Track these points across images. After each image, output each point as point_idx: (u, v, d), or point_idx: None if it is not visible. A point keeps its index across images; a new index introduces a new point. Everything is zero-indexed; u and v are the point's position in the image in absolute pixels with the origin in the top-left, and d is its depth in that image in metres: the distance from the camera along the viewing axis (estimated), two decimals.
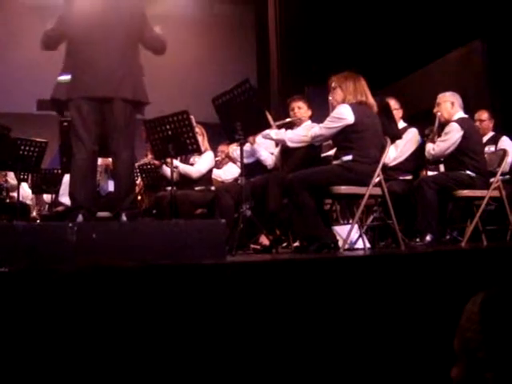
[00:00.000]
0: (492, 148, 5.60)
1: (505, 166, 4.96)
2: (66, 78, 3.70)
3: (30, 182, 6.43)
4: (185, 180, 5.59)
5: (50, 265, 2.65)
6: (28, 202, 6.69)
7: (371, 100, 4.19)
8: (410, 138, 5.25)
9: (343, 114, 4.04)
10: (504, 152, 5.02)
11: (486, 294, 1.10)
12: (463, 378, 1.05)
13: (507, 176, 5.33)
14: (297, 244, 4.79)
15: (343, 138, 4.10)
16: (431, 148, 4.86)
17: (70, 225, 2.88)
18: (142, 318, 0.73)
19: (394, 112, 5.06)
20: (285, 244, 5.14)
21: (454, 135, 4.73)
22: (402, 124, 5.38)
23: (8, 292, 2.39)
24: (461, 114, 4.91)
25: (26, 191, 6.50)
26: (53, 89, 3.81)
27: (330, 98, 4.27)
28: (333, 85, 4.23)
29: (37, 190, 6.64)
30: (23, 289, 2.41)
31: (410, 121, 5.63)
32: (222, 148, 6.39)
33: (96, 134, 3.80)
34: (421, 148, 5.24)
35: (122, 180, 3.92)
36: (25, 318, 2.23)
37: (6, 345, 2.22)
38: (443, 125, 4.91)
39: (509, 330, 1.01)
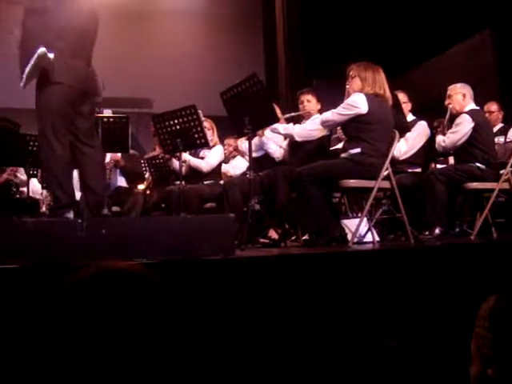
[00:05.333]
0: (501, 139, 5.58)
1: None
2: (51, 55, 3.61)
3: (39, 177, 6.45)
4: (194, 174, 5.60)
5: (60, 261, 2.68)
6: (38, 197, 6.72)
7: (388, 93, 4.17)
8: (420, 132, 5.22)
9: (357, 103, 4.02)
10: None
11: (496, 299, 1.10)
12: (479, 378, 1.06)
13: None
14: (305, 237, 4.79)
15: (354, 127, 4.08)
16: (441, 140, 4.83)
17: (80, 221, 2.90)
18: (152, 315, 0.74)
19: (403, 105, 5.04)
20: (293, 237, 5.14)
21: (465, 127, 4.71)
22: (410, 117, 5.35)
23: (18, 288, 2.41)
24: (472, 106, 4.88)
25: (35, 186, 6.53)
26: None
27: (348, 86, 4.24)
28: (351, 73, 4.20)
29: (46, 186, 6.65)
30: (33, 284, 2.43)
31: (419, 113, 5.60)
32: (228, 141, 6.39)
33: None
34: (430, 141, 5.22)
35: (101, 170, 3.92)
36: (35, 314, 2.25)
37: (17, 340, 2.24)
38: (454, 116, 4.89)
39: None
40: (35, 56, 3.53)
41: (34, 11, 3.63)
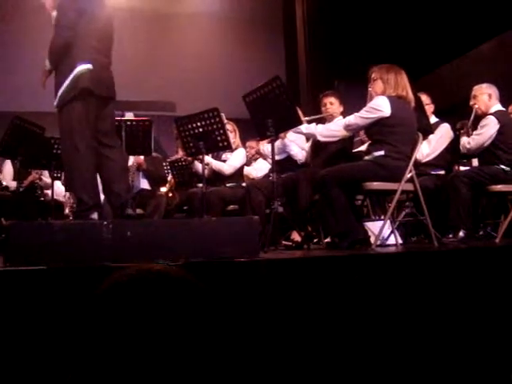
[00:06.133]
0: None
1: None
2: (88, 66, 3.67)
3: (63, 179, 6.51)
4: (216, 176, 5.62)
5: (86, 262, 2.71)
6: (61, 199, 6.78)
7: (411, 95, 4.14)
8: (443, 134, 5.19)
9: (380, 106, 4.01)
10: None
11: None
12: None
13: None
14: (328, 240, 4.78)
15: (377, 130, 4.06)
16: (466, 142, 4.79)
17: (105, 223, 2.92)
18: (179, 317, 0.75)
19: (426, 107, 5.01)
20: (316, 240, 5.13)
21: (490, 129, 4.67)
22: (433, 119, 5.32)
23: (46, 289, 2.44)
24: (498, 107, 4.83)
25: (59, 189, 6.59)
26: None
27: (370, 88, 4.23)
28: (373, 76, 4.18)
29: (68, 188, 6.71)
30: (60, 286, 2.46)
31: (442, 114, 5.57)
32: (250, 144, 6.41)
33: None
34: (453, 143, 5.18)
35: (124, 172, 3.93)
36: (61, 314, 2.27)
37: (43, 339, 2.27)
38: (479, 117, 4.84)
39: None
40: (73, 75, 3.60)
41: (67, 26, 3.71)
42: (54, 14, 3.81)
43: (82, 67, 3.62)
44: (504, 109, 4.92)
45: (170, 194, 6.43)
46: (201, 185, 5.27)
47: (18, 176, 5.67)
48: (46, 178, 6.35)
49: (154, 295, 0.73)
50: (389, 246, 4.45)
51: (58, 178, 6.33)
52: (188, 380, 0.71)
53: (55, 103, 3.69)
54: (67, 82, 3.61)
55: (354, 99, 4.87)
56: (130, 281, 0.74)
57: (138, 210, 5.44)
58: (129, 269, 0.77)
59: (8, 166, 6.20)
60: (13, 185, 5.87)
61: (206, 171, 5.09)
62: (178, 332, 0.72)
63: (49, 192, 6.26)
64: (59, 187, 6.55)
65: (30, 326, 2.31)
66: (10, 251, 2.80)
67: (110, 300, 0.73)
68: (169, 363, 0.70)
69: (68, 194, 6.87)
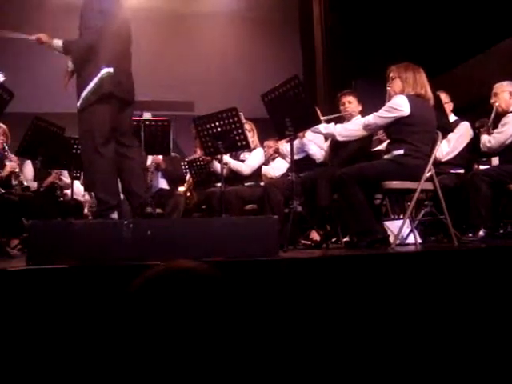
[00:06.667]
0: None
1: None
2: (110, 70, 3.71)
3: (82, 179, 6.56)
4: (235, 176, 5.63)
5: (107, 261, 2.73)
6: (80, 199, 6.84)
7: (430, 93, 4.12)
8: (463, 133, 5.15)
9: (399, 105, 3.99)
10: None
11: None
12: None
13: None
14: (346, 239, 4.77)
15: (396, 129, 4.04)
16: (487, 140, 4.76)
17: (126, 222, 2.94)
18: (206, 313, 0.75)
19: (445, 105, 4.98)
20: (334, 239, 5.12)
21: (511, 127, 4.63)
22: (452, 117, 5.29)
23: (67, 288, 2.46)
24: None
25: (78, 189, 6.65)
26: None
27: (388, 87, 4.21)
28: (391, 75, 4.17)
29: (88, 188, 6.76)
30: (82, 285, 2.48)
31: (461, 112, 5.53)
32: (268, 143, 6.41)
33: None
34: (473, 141, 5.14)
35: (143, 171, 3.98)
36: (84, 313, 2.29)
37: (65, 338, 2.29)
38: (499, 115, 4.80)
39: None
40: (97, 78, 3.64)
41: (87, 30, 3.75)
42: (55, 42, 3.88)
43: (106, 71, 3.66)
44: None
45: (188, 194, 6.46)
46: (219, 184, 5.29)
47: (38, 176, 5.72)
48: (66, 178, 6.40)
49: (183, 292, 0.73)
50: (408, 245, 4.43)
51: (78, 178, 6.38)
52: (213, 373, 0.71)
53: (78, 104, 3.73)
54: (92, 84, 3.65)
55: (372, 98, 4.85)
56: (159, 278, 0.74)
57: (157, 210, 5.47)
58: (158, 266, 0.78)
59: (29, 166, 6.26)
60: (33, 185, 5.93)
61: (225, 171, 5.10)
62: (205, 327, 0.72)
63: (68, 192, 6.32)
64: (78, 187, 6.61)
65: (52, 324, 2.33)
66: (32, 250, 2.83)
67: (142, 297, 0.74)
68: (197, 357, 0.71)
69: (86, 193, 6.94)
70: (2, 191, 5.03)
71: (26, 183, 5.76)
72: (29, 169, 6.27)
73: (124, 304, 0.75)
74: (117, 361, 0.73)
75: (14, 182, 5.67)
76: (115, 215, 3.72)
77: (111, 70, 3.68)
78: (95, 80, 3.64)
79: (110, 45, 3.73)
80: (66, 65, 3.90)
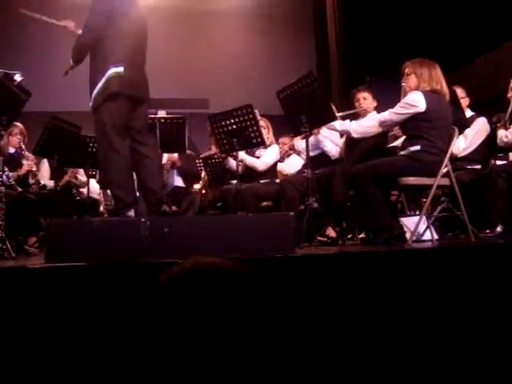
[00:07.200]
0: None
1: None
2: (119, 69, 3.73)
3: (97, 178, 6.60)
4: (250, 173, 5.63)
5: (125, 259, 2.75)
6: (96, 197, 6.88)
7: (445, 89, 4.09)
8: (479, 128, 5.12)
9: (415, 101, 3.97)
10: None
11: None
12: None
13: None
14: (362, 236, 4.76)
15: (412, 125, 4.02)
16: (504, 135, 4.72)
17: (143, 220, 2.96)
18: (235, 308, 0.76)
19: (461, 101, 4.94)
20: (350, 236, 5.12)
21: None
22: (469, 113, 5.25)
23: (86, 285, 2.48)
24: None
25: (93, 187, 6.69)
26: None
27: (403, 83, 4.19)
28: (406, 71, 4.15)
29: (104, 186, 6.80)
30: (100, 282, 2.50)
31: (478, 107, 5.49)
32: (282, 140, 6.40)
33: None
34: (489, 136, 5.11)
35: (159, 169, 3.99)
36: (103, 310, 2.31)
37: (84, 335, 2.31)
38: None
39: None
40: (105, 78, 3.66)
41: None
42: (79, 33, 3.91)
43: (114, 70, 3.68)
44: None
45: (204, 191, 6.48)
46: (234, 181, 5.30)
47: (55, 175, 5.76)
48: (82, 176, 6.44)
49: (211, 287, 0.74)
50: (425, 241, 4.41)
51: (93, 177, 6.42)
52: (243, 368, 0.72)
53: (90, 104, 3.77)
54: (100, 85, 3.69)
55: (386, 95, 4.83)
56: (187, 274, 0.75)
57: (173, 208, 5.49)
58: (185, 262, 0.79)
59: (45, 165, 6.31)
60: (50, 183, 5.97)
61: (240, 168, 5.11)
62: (235, 322, 0.73)
63: (84, 190, 6.36)
64: (93, 185, 6.65)
65: (71, 321, 2.36)
66: (51, 248, 2.86)
67: (170, 293, 0.75)
68: (227, 353, 0.71)
69: (102, 192, 6.99)
70: (20, 190, 5.07)
71: (42, 182, 5.81)
72: (45, 167, 6.32)
73: (152, 300, 0.76)
74: (142, 356, 0.74)
75: (32, 181, 5.72)
76: (132, 213, 3.74)
77: (120, 69, 3.70)
78: (103, 80, 3.69)
79: (120, 44, 3.75)
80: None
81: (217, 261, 0.80)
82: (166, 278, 0.76)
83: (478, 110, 5.39)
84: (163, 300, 0.74)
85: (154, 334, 0.72)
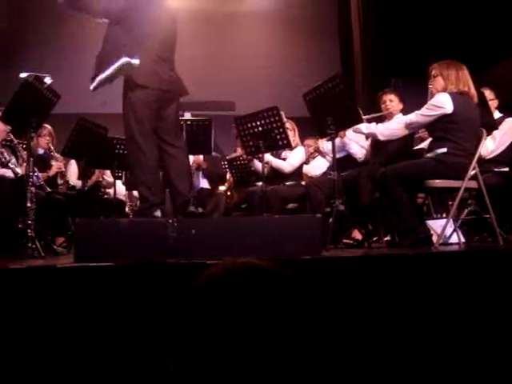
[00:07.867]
0: None
1: None
2: (132, 61, 3.69)
3: (123, 179, 6.67)
4: (275, 175, 5.63)
5: (153, 259, 2.77)
6: (122, 197, 6.95)
7: (473, 90, 4.06)
8: (507, 130, 5.06)
9: (442, 103, 3.94)
10: None
11: None
12: None
13: None
14: (388, 238, 4.74)
15: (439, 127, 3.99)
16: None
17: (171, 221, 2.99)
18: (273, 308, 0.77)
19: (490, 102, 4.90)
20: (375, 238, 5.10)
21: None
22: (497, 114, 5.20)
23: (114, 285, 2.51)
24: None
25: (120, 188, 6.76)
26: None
27: (430, 85, 4.17)
28: (433, 73, 4.12)
29: (130, 187, 6.87)
30: (128, 282, 2.53)
31: (507, 109, 5.43)
32: (308, 142, 6.39)
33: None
34: None
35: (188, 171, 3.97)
36: (131, 310, 2.33)
37: (113, 333, 2.34)
38: None
39: None
40: (116, 65, 3.63)
41: (115, 22, 3.75)
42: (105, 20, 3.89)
43: (126, 59, 3.58)
44: None
45: (229, 193, 6.50)
46: (259, 183, 5.31)
47: (82, 175, 5.83)
48: (108, 177, 6.51)
49: (250, 286, 0.75)
50: (451, 244, 4.38)
51: (119, 178, 6.48)
52: (279, 368, 0.73)
53: (91, 86, 3.73)
54: (110, 70, 3.60)
55: (411, 97, 4.81)
56: (226, 274, 0.76)
57: (199, 209, 5.52)
58: (224, 263, 0.80)
59: (73, 165, 6.38)
60: (78, 184, 6.05)
61: (265, 169, 5.12)
62: (275, 321, 0.74)
63: (110, 191, 6.43)
64: (119, 186, 6.72)
65: (100, 320, 2.39)
66: (79, 248, 2.90)
67: (209, 292, 0.76)
68: (265, 353, 0.72)
69: (127, 193, 7.05)
70: (49, 190, 5.14)
71: (71, 182, 5.89)
72: (73, 168, 6.40)
73: (191, 300, 0.77)
74: (184, 355, 0.75)
75: (60, 182, 5.81)
76: (158, 213, 3.75)
77: (136, 61, 3.63)
78: (114, 66, 3.60)
79: (142, 37, 3.69)
80: None
81: (254, 261, 0.82)
82: (205, 277, 0.78)
83: (507, 112, 5.33)
84: (203, 300, 0.75)
85: (194, 333, 0.74)
